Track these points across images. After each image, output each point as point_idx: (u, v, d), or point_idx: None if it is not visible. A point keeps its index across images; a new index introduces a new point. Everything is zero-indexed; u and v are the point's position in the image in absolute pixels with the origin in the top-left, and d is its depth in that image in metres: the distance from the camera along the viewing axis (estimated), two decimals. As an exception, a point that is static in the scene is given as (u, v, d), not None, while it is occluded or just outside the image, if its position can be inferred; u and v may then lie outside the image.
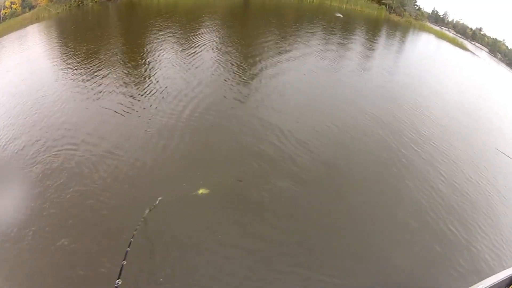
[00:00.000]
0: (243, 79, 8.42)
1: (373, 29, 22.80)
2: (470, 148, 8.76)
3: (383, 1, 30.32)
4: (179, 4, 16.26)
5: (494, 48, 73.63)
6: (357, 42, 15.95)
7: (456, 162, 7.65)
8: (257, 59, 10.07)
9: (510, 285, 3.86)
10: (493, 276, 3.86)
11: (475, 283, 3.75)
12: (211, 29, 12.90)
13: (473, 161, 8.03)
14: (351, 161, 6.15)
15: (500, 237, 5.89)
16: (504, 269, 4.08)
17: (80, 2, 16.54)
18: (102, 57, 9.45)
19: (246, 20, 16.08)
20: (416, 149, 7.42)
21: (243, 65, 9.36)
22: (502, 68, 58.32)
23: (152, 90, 7.37)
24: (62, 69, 8.76)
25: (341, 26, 18.67)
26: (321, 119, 7.34)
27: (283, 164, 5.51)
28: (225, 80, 8.24)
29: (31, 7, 16.28)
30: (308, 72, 10.00)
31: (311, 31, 14.89)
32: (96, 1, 16.66)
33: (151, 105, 6.78)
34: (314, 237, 4.37)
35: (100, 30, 13.18)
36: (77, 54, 9.72)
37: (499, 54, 72.85)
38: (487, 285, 3.60)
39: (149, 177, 4.90)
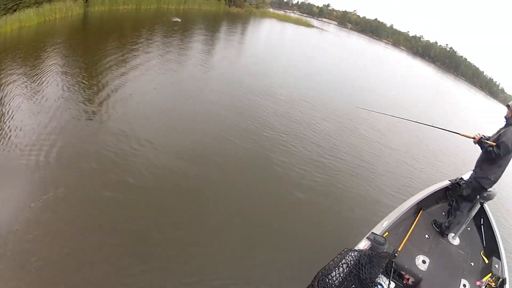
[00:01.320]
0: (88, 105, 7.71)
1: (212, 25, 23.79)
2: (336, 112, 10.10)
3: (221, -5, 31.59)
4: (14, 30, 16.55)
5: (344, 20, 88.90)
6: (198, 41, 16.26)
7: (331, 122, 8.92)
8: (101, 79, 9.63)
9: (419, 212, 3.59)
10: (398, 207, 3.55)
11: (380, 220, 3.39)
12: (51, 54, 11.15)
13: (342, 122, 9.34)
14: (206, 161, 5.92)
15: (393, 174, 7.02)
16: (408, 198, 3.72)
17: None
18: None
19: (86, 40, 15.24)
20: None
21: (87, 89, 8.91)
22: (353, 35, 71.95)
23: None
24: None
25: (181, 29, 18.56)
26: (172, 124, 7.36)
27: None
28: (72, 106, 7.46)
29: None
30: (153, 84, 9.84)
31: (150, 41, 14.64)
32: None
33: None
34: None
35: None
36: None
37: (349, 24, 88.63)
38: (393, 218, 3.23)
39: None
